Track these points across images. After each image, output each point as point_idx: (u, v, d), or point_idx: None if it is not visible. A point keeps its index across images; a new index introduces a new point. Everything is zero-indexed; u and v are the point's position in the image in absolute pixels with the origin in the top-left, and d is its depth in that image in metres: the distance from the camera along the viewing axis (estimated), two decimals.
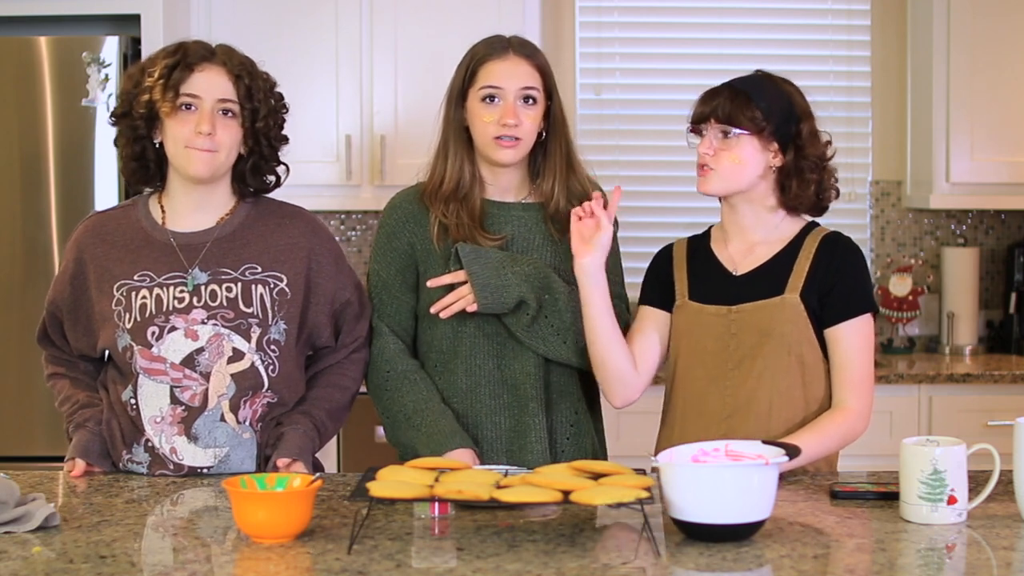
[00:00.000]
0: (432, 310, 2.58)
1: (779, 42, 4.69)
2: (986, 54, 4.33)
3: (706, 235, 2.61)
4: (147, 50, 3.89)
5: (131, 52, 3.91)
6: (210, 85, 2.43)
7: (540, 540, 1.98)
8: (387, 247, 2.65)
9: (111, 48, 3.86)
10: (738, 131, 2.43)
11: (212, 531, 2.08)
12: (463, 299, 2.55)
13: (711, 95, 2.47)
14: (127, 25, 3.99)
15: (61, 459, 2.55)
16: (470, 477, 2.04)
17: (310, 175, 4.23)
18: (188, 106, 2.42)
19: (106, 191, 3.86)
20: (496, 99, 2.55)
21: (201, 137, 2.41)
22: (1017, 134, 4.35)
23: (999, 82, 4.34)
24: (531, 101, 2.56)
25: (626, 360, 2.52)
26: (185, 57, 2.43)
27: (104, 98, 3.85)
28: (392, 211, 2.67)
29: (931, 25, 4.37)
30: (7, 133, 3.89)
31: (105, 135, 3.85)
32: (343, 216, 4.65)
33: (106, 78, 3.84)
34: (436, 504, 2.08)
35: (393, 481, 2.00)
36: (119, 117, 2.49)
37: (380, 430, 4.00)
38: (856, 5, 4.71)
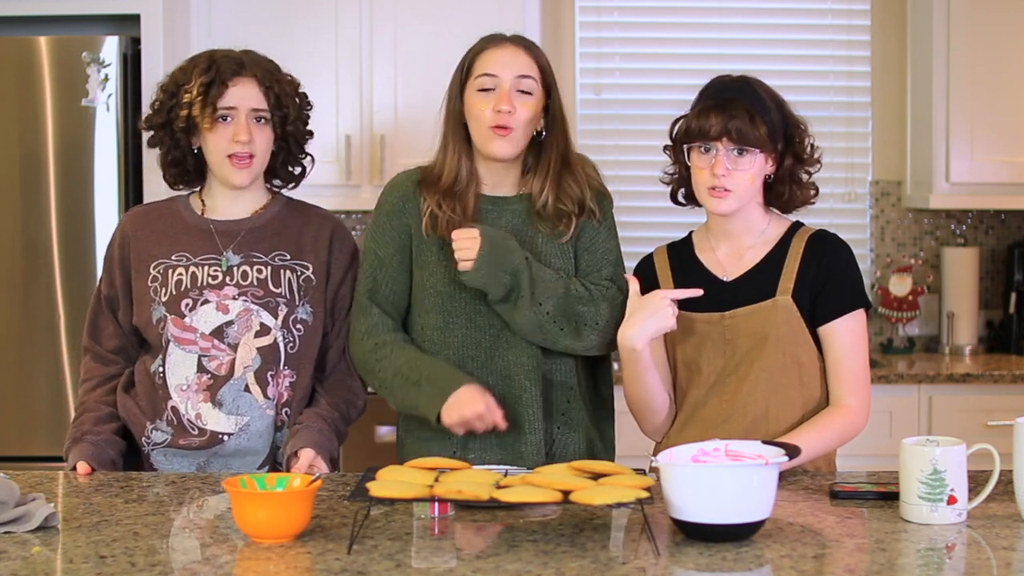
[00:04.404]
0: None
1: (779, 42, 4.69)
2: (986, 54, 4.33)
3: (688, 241, 2.60)
4: (147, 50, 3.89)
5: (131, 52, 3.91)
6: (243, 97, 2.61)
7: (540, 540, 1.98)
8: (387, 225, 2.65)
9: (111, 48, 3.86)
10: (755, 150, 2.40)
11: (212, 531, 2.08)
12: (466, 253, 2.49)
13: (719, 111, 2.40)
14: (127, 25, 3.98)
15: (61, 459, 2.57)
16: (470, 477, 2.04)
17: (310, 175, 4.22)
18: (225, 117, 2.59)
19: (106, 191, 3.86)
20: (492, 89, 2.54)
21: (239, 145, 2.59)
22: (1017, 134, 4.35)
23: (999, 82, 4.34)
24: (528, 93, 2.55)
25: (666, 399, 2.53)
26: (219, 74, 2.59)
27: (104, 98, 3.85)
28: (393, 189, 2.68)
29: (931, 25, 4.37)
30: (7, 133, 3.89)
31: (105, 135, 3.86)
32: (343, 216, 4.65)
33: (106, 78, 3.84)
34: (436, 504, 2.08)
35: (393, 481, 2.01)
36: (157, 127, 2.65)
37: (380, 430, 4.02)
38: (856, 5, 4.70)
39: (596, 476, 2.06)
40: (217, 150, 2.60)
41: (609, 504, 1.93)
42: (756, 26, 4.70)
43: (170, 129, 2.63)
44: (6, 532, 2.02)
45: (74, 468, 2.51)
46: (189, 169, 2.69)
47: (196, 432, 2.56)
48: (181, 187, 2.74)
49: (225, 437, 2.56)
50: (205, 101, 2.57)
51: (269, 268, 2.63)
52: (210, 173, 2.68)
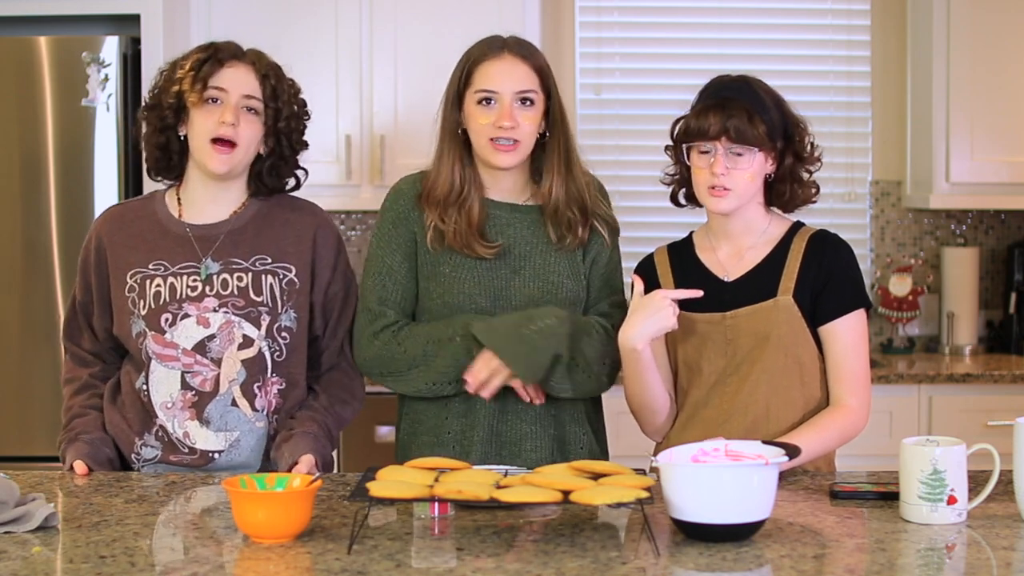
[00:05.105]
0: (470, 391, 2.49)
1: (779, 42, 4.69)
2: (986, 54, 4.33)
3: (688, 242, 2.60)
4: (147, 50, 3.90)
5: (131, 52, 3.91)
6: (237, 80, 2.52)
7: (540, 540, 1.98)
8: (393, 233, 2.61)
9: (111, 48, 3.86)
10: (754, 149, 2.40)
11: (212, 531, 2.08)
12: (499, 375, 2.48)
13: (717, 111, 2.40)
14: (127, 25, 3.98)
15: (60, 459, 2.56)
16: (470, 477, 2.04)
17: (310, 175, 4.22)
18: (215, 100, 2.50)
19: (106, 191, 3.86)
20: (492, 101, 2.52)
21: (224, 127, 2.49)
22: (1017, 134, 4.35)
23: (999, 82, 4.34)
24: (528, 103, 2.53)
25: (667, 399, 2.53)
26: (216, 53, 2.53)
27: (104, 98, 3.85)
28: (398, 196, 2.63)
29: (931, 25, 4.37)
30: (7, 133, 3.89)
31: (105, 135, 3.86)
32: (343, 216, 4.65)
33: (106, 78, 3.84)
34: (436, 504, 2.08)
35: (393, 481, 2.01)
36: (149, 109, 2.57)
37: (380, 430, 4.02)
38: (856, 5, 4.71)
39: (596, 476, 2.06)
40: (201, 132, 2.49)
41: (609, 504, 1.93)
42: (756, 26, 4.70)
43: (159, 109, 2.54)
44: (6, 532, 2.02)
45: (71, 468, 2.49)
46: (172, 156, 2.57)
47: (186, 451, 2.50)
48: (162, 179, 2.63)
49: (216, 455, 2.50)
50: (196, 76, 2.48)
51: (250, 275, 2.53)
52: (190, 166, 2.57)
